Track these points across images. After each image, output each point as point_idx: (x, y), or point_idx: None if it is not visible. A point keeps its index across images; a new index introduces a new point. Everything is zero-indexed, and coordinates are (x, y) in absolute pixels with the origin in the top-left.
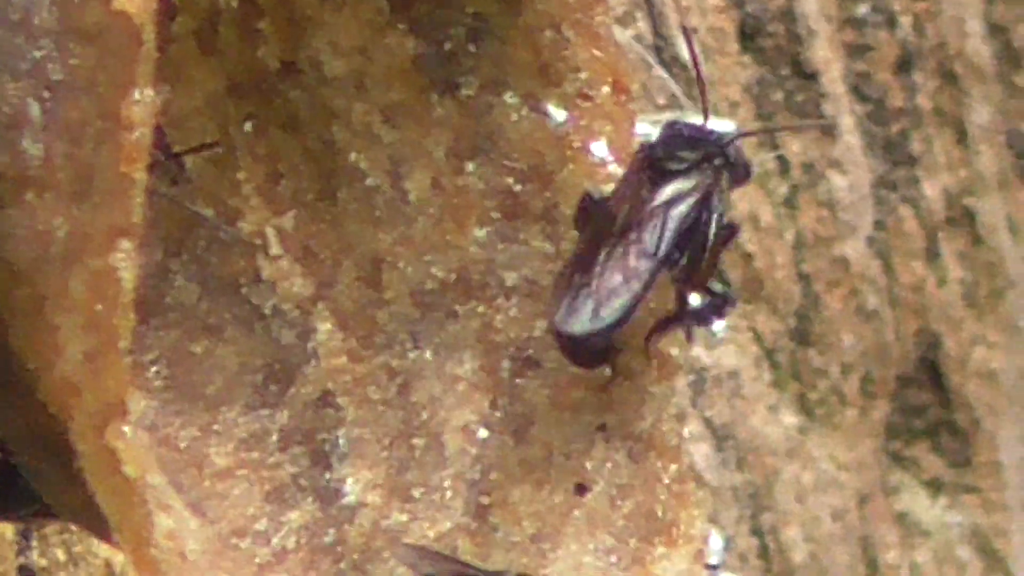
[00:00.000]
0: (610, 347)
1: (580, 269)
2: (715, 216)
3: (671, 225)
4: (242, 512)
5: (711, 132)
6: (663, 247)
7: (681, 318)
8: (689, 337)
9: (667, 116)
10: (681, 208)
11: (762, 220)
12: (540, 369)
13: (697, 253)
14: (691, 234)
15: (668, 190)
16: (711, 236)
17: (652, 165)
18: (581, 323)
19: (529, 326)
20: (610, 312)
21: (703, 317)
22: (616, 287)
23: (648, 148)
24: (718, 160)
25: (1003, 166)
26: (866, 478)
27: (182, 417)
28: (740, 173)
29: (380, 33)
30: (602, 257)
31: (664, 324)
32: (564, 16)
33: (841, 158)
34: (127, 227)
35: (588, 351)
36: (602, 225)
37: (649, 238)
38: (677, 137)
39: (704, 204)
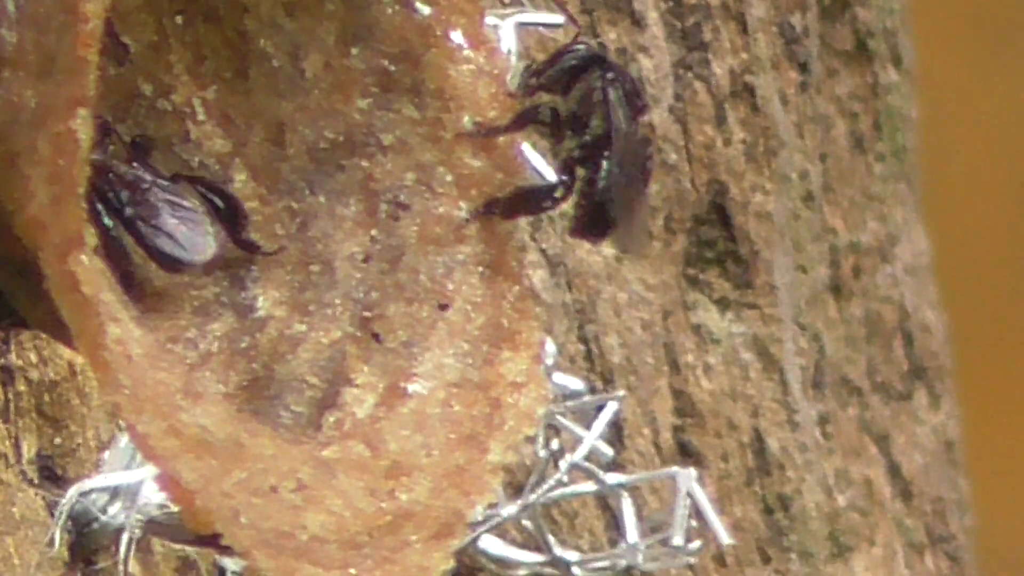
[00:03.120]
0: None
1: None
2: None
3: None
4: (175, 323)
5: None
6: None
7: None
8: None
9: (511, 11)
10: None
11: None
12: (410, 211)
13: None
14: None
15: None
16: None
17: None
18: None
19: (401, 176)
20: None
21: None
22: None
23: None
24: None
25: (776, 51)
26: (669, 297)
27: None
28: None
29: None
30: None
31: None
32: None
33: (648, 44)
34: (83, 98)
35: None
36: None
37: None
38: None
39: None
